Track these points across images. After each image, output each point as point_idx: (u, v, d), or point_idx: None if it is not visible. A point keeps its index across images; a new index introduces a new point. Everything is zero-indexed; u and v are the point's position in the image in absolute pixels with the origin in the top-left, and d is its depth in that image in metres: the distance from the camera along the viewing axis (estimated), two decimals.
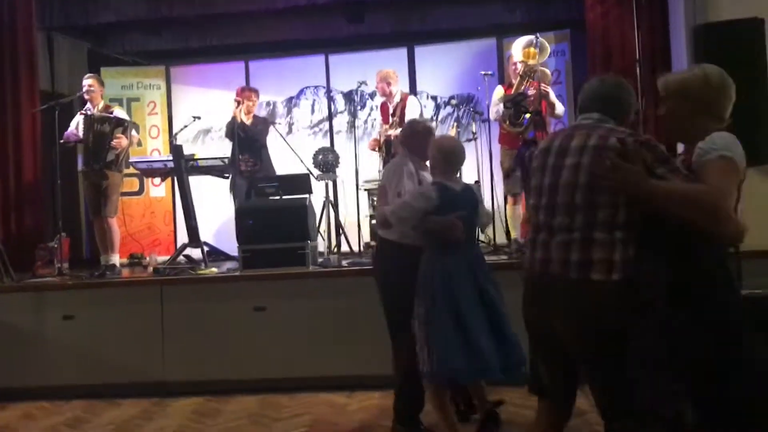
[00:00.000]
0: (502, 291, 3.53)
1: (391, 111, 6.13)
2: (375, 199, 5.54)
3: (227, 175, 6.34)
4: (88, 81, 5.98)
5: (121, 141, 5.79)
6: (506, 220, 6.01)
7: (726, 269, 2.46)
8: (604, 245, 2.26)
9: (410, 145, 3.80)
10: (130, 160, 6.17)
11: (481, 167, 6.38)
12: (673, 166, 2.29)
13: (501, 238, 6.28)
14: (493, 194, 6.26)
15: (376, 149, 6.31)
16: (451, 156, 3.56)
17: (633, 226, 2.27)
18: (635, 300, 2.27)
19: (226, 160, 6.16)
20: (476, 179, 6.54)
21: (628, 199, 2.25)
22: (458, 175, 3.90)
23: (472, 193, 3.63)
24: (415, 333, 3.43)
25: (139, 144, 6.37)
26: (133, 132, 6.06)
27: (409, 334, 3.47)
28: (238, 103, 6.37)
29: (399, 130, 5.58)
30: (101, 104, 5.98)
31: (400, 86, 6.27)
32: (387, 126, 6.12)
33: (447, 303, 3.35)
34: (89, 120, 5.79)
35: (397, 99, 6.12)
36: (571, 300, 2.31)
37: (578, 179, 2.32)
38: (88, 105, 5.98)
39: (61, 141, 5.84)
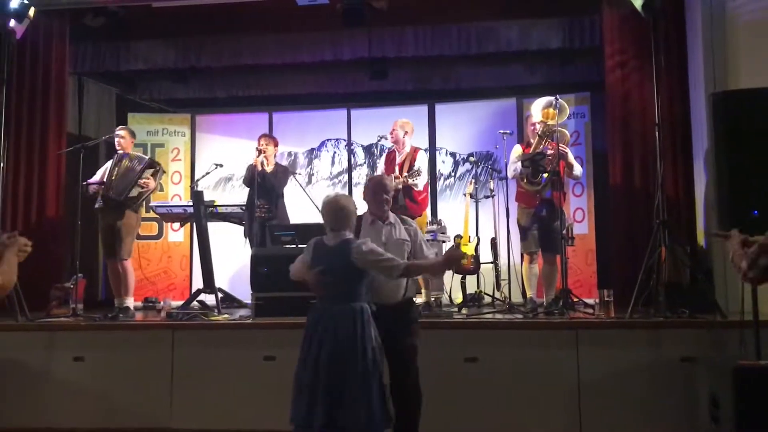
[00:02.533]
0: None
1: (399, 161, 6.11)
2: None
3: (245, 221, 6.39)
4: (120, 133, 6.13)
5: (149, 182, 5.91)
6: (522, 279, 5.97)
7: None
8: None
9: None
10: (150, 204, 6.25)
11: (497, 225, 6.38)
12: None
13: (516, 297, 6.24)
14: (509, 252, 6.24)
15: None
16: (338, 212, 3.67)
17: None
18: None
19: (245, 208, 6.22)
20: (492, 236, 6.54)
21: None
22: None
23: (343, 249, 3.59)
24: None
25: (161, 189, 6.47)
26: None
27: None
28: (260, 152, 6.46)
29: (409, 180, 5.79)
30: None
31: (412, 140, 6.31)
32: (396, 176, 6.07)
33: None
34: (120, 158, 5.91)
35: (407, 150, 6.15)
36: None
37: None
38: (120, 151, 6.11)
39: (84, 183, 5.94)
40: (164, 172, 6.33)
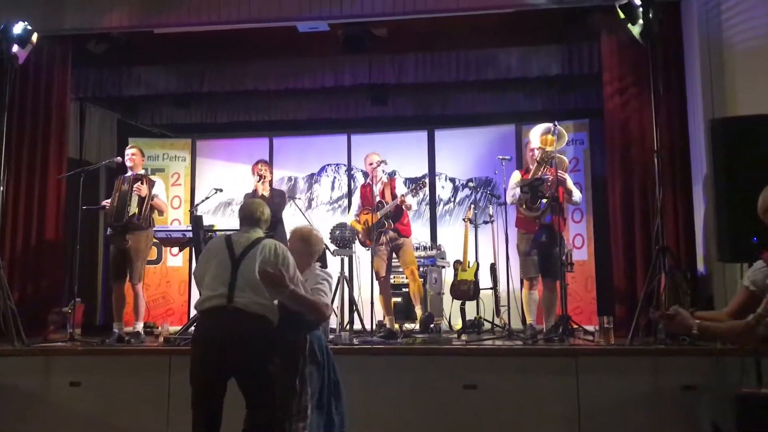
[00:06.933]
0: None
1: (378, 191, 6.06)
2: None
3: None
4: (133, 150, 6.14)
5: (141, 189, 5.86)
6: (522, 305, 5.94)
7: None
8: None
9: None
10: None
11: (497, 250, 6.37)
12: None
13: (516, 323, 6.21)
14: (508, 278, 6.22)
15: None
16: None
17: None
18: None
19: None
20: (492, 262, 6.53)
21: None
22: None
23: None
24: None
25: (160, 213, 6.46)
26: (157, 191, 6.09)
27: None
28: (261, 177, 6.42)
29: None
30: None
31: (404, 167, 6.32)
32: (371, 209, 6.04)
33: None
34: (118, 182, 5.94)
35: (383, 180, 6.13)
36: None
37: None
38: (130, 173, 6.08)
39: (102, 206, 5.97)
40: (153, 181, 6.21)
